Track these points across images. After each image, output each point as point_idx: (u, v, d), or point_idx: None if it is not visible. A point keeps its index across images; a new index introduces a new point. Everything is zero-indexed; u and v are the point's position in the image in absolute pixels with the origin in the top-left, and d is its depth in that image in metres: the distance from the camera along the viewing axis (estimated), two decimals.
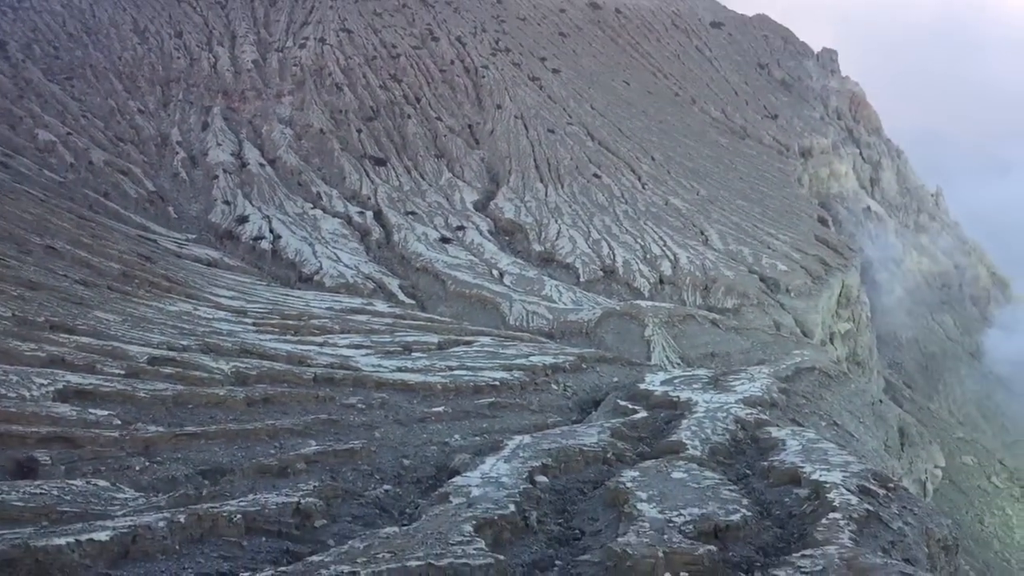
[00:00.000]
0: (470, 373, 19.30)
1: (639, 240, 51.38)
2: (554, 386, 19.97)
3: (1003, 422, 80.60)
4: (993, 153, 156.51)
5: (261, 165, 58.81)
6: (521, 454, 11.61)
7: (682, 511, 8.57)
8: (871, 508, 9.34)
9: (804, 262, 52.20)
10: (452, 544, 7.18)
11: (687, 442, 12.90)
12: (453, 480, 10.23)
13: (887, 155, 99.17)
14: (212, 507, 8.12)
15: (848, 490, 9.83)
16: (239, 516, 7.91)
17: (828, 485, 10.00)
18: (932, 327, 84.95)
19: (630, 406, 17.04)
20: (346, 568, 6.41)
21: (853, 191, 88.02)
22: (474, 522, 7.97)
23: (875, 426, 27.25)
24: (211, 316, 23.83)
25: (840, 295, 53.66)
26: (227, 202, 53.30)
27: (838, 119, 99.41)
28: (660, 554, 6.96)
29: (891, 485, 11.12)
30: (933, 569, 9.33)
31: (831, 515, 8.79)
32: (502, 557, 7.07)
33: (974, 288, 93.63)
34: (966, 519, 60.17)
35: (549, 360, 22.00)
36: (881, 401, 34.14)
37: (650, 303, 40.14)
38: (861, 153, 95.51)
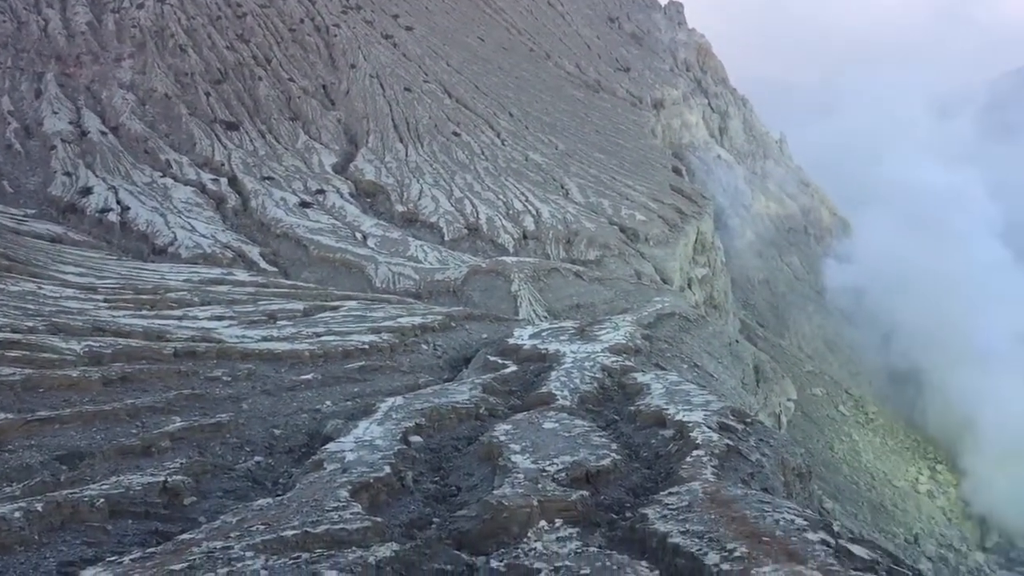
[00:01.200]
0: (338, 338, 19.06)
1: (501, 196, 51.64)
2: (424, 346, 19.97)
3: (848, 354, 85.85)
4: (825, 96, 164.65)
5: (103, 133, 55.79)
6: (394, 416, 11.60)
7: (554, 460, 8.76)
8: (731, 443, 9.80)
9: (661, 211, 53.73)
10: (328, 510, 7.13)
11: (557, 393, 13.16)
12: (326, 447, 10.13)
13: (734, 104, 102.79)
14: (72, 493, 7.78)
15: (709, 428, 10.28)
16: (102, 500, 7.62)
17: (691, 424, 10.42)
18: (781, 268, 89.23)
19: (500, 361, 17.22)
20: (219, 543, 6.28)
21: (704, 140, 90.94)
22: (350, 487, 7.93)
23: (732, 365, 28.48)
24: (58, 294, 22.61)
25: (696, 242, 55.59)
26: (68, 174, 50.42)
27: (687, 70, 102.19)
28: (535, 503, 7.11)
29: (748, 420, 11.68)
30: (789, 496, 9.88)
31: (694, 452, 9.17)
32: (379, 519, 7.07)
33: (818, 228, 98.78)
34: (818, 447, 64.09)
35: (418, 320, 21.95)
36: (737, 341, 35.68)
37: (515, 258, 40.53)
38: (710, 103, 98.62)
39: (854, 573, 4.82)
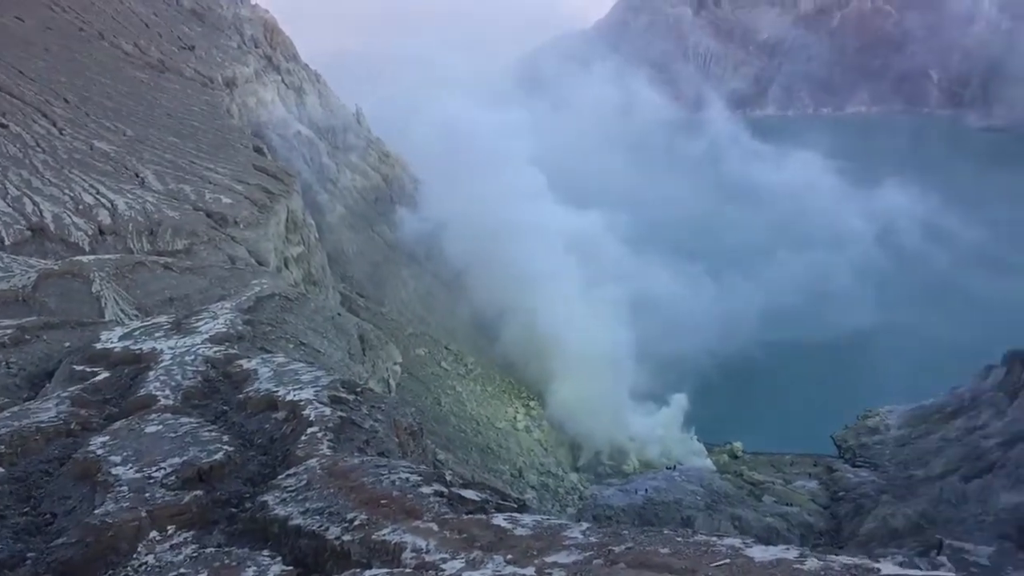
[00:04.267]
0: None
1: (67, 191, 46.98)
2: None
3: (444, 312, 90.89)
4: (388, 63, 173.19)
5: None
6: None
7: (161, 464, 8.29)
8: (344, 414, 9.97)
9: (248, 193, 52.42)
10: None
11: (157, 393, 12.45)
12: None
13: (308, 80, 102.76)
14: None
15: (321, 403, 10.36)
16: None
17: (303, 403, 10.42)
18: (373, 238, 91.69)
19: (88, 369, 15.86)
20: None
21: (282, 117, 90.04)
22: None
23: (338, 338, 28.85)
24: None
25: (287, 220, 55.13)
26: None
27: (255, 47, 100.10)
28: (143, 514, 6.69)
29: (359, 389, 11.95)
30: (404, 455, 10.30)
31: (309, 430, 9.20)
32: None
33: (401, 196, 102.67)
34: (427, 404, 67.36)
35: None
36: (340, 314, 36.15)
37: (93, 257, 37.21)
38: (283, 80, 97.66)
39: (466, 516, 5.16)
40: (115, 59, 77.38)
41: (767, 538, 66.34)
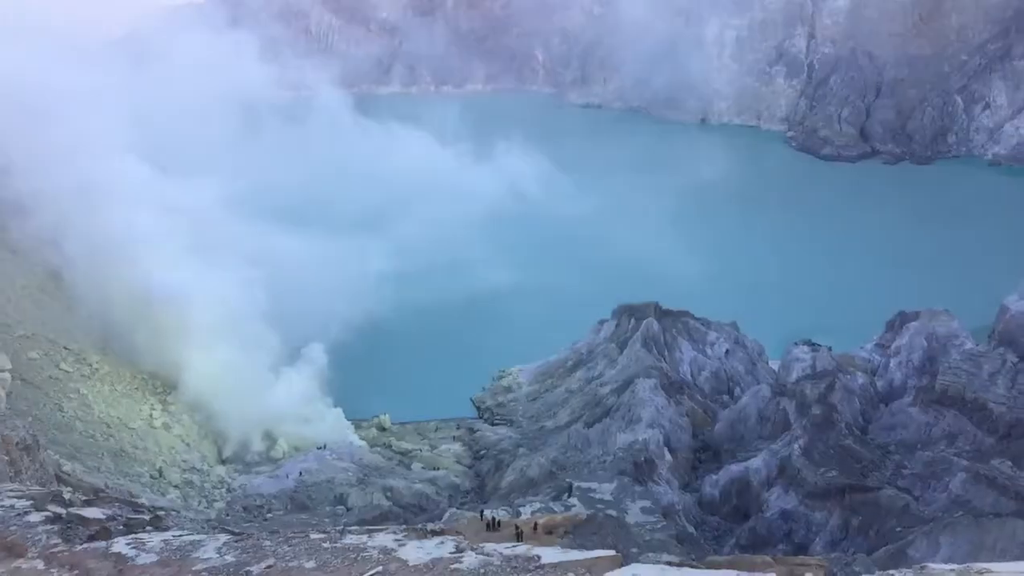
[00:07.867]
0: None
1: None
2: None
3: (59, 308, 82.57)
4: None
5: None
6: None
7: None
8: None
9: None
10: None
11: None
12: None
13: None
14: None
15: None
16: None
17: None
18: None
19: None
20: None
21: None
22: None
23: None
24: None
25: None
26: None
27: None
28: None
29: None
30: (18, 474, 9.21)
31: None
32: None
33: None
34: (46, 411, 61.01)
35: None
36: None
37: None
38: None
39: (80, 548, 4.65)
40: None
41: (418, 504, 68.78)
